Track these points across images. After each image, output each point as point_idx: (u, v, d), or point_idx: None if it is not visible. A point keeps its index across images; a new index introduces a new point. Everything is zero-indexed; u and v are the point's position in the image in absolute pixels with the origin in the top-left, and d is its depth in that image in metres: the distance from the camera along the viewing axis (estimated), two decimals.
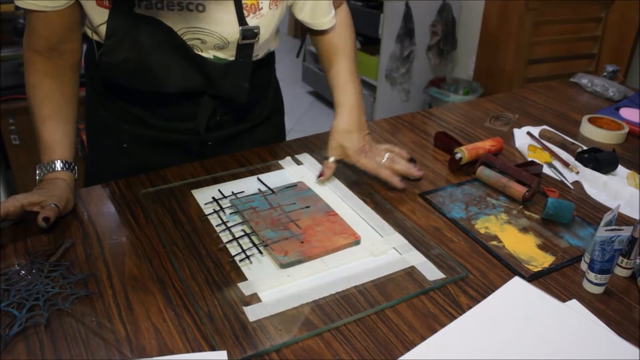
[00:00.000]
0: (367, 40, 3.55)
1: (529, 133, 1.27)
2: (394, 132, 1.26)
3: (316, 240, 0.85)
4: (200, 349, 0.67)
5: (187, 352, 0.67)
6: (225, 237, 0.87)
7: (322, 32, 1.10)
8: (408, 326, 0.72)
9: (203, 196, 0.97)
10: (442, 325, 0.72)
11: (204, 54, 0.96)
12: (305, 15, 1.06)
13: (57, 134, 0.96)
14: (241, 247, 0.84)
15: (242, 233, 0.87)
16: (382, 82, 3.37)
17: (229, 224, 0.89)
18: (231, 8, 0.92)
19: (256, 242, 0.85)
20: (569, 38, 3.00)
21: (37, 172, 0.93)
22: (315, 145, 1.17)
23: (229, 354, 0.66)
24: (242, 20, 0.93)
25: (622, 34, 2.95)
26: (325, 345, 0.68)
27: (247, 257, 0.82)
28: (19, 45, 2.27)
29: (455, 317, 0.73)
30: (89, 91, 1.13)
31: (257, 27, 0.95)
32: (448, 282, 0.80)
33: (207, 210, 0.93)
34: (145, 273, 0.79)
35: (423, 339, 0.70)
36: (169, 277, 0.79)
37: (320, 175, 1.02)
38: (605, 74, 1.61)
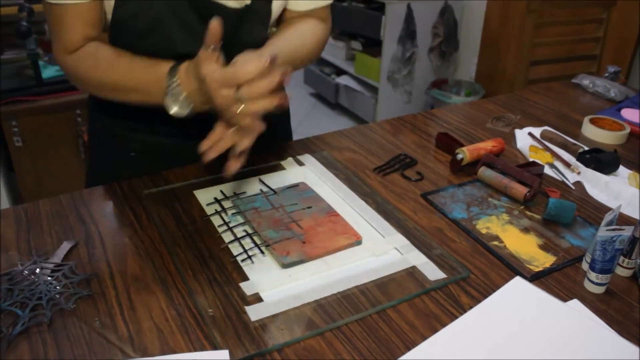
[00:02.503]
0: (368, 42, 3.56)
1: (530, 134, 1.27)
2: (396, 133, 1.26)
3: (318, 241, 0.85)
4: (203, 349, 0.68)
5: (189, 351, 0.67)
6: (227, 237, 0.87)
7: (288, 17, 1.05)
8: (409, 326, 0.72)
9: (205, 197, 0.97)
10: (444, 325, 0.72)
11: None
12: None
13: (145, 63, 0.89)
14: (243, 248, 0.84)
15: (244, 233, 0.87)
16: (384, 84, 3.37)
17: (231, 225, 0.89)
18: None
19: (258, 242, 0.85)
20: (571, 39, 3.00)
21: (169, 81, 0.84)
22: (317, 146, 1.18)
23: (230, 354, 0.66)
24: None
25: (623, 35, 2.95)
26: (327, 345, 0.69)
27: (249, 257, 0.82)
28: (21, 48, 2.28)
29: (457, 317, 0.73)
30: (92, 101, 1.10)
31: None
32: (449, 282, 0.80)
33: (209, 210, 0.93)
34: (147, 273, 0.80)
35: (424, 338, 0.70)
36: (171, 277, 0.79)
37: None
38: (606, 74, 1.61)
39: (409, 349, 0.68)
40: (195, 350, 0.67)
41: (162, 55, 0.93)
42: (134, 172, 1.05)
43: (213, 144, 0.83)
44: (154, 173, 1.05)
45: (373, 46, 3.47)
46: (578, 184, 1.08)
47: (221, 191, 0.98)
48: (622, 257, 0.82)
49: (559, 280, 0.82)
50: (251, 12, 0.95)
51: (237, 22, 0.95)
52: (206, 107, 0.84)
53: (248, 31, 0.97)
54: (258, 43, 0.96)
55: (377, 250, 0.85)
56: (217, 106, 0.80)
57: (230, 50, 0.97)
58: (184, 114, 0.85)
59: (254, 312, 0.72)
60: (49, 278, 0.76)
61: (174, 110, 0.85)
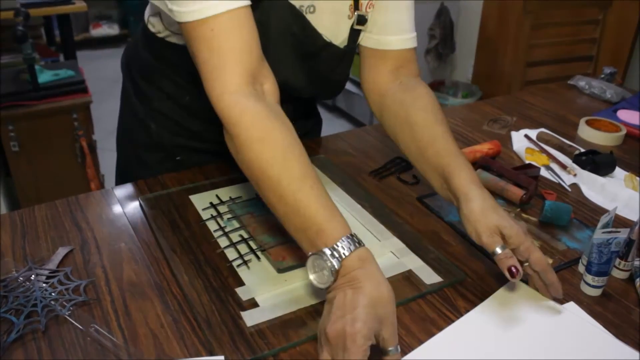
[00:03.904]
0: None
1: (526, 136, 1.27)
2: None
3: None
4: (198, 354, 0.67)
5: (185, 357, 0.67)
6: (223, 242, 0.87)
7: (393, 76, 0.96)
8: (405, 330, 0.72)
9: (201, 202, 0.97)
10: (440, 328, 0.72)
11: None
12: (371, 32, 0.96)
13: (321, 198, 0.69)
14: (239, 252, 0.84)
15: (240, 238, 0.87)
16: None
17: (226, 229, 0.89)
18: (342, 9, 0.92)
19: (254, 247, 0.85)
20: (567, 40, 3.01)
21: (325, 261, 0.65)
22: (313, 149, 1.18)
23: (226, 359, 0.66)
24: (357, 6, 0.92)
25: (620, 36, 2.95)
26: None
27: (245, 262, 0.82)
28: (19, 52, 2.28)
29: (453, 321, 0.73)
30: (138, 107, 1.07)
31: (367, 14, 0.93)
32: (445, 286, 0.80)
33: (205, 215, 0.93)
34: (143, 279, 0.79)
35: (420, 342, 0.70)
36: (167, 282, 0.79)
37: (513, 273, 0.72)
38: (603, 76, 1.61)
39: (405, 353, 0.68)
40: (191, 356, 0.67)
41: None
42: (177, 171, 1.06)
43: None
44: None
45: None
46: (574, 186, 1.08)
47: (217, 196, 0.98)
48: (618, 260, 0.82)
49: None
50: (349, 52, 0.98)
51: (338, 61, 0.98)
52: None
53: (342, 71, 1.01)
54: (343, 83, 1.04)
55: (373, 253, 0.85)
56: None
57: (321, 85, 1.02)
58: (319, 284, 0.67)
59: (250, 317, 0.72)
60: (44, 284, 0.76)
61: (311, 275, 0.67)
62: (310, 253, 0.67)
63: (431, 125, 0.87)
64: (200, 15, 0.72)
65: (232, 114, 0.73)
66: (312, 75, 0.98)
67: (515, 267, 0.71)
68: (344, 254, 0.65)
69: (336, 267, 0.64)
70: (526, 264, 0.74)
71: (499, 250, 0.73)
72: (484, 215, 0.74)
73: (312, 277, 0.67)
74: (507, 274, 0.71)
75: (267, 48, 0.88)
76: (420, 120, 0.89)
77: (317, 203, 0.68)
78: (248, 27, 0.75)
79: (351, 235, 0.66)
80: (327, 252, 0.65)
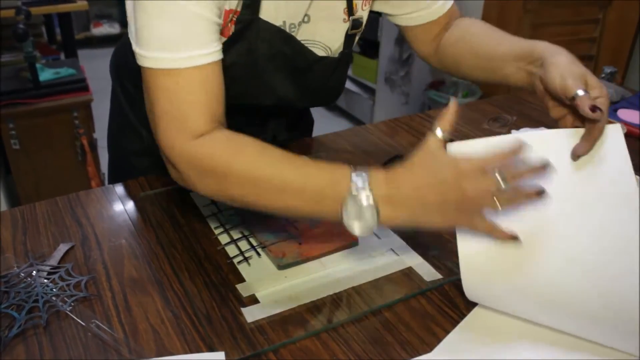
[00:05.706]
0: (365, 44, 3.56)
1: None
2: (393, 135, 1.26)
3: (314, 242, 0.85)
4: (199, 350, 0.68)
5: (185, 353, 0.67)
6: (223, 239, 0.87)
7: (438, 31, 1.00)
8: (405, 326, 0.72)
9: (202, 198, 0.97)
10: (440, 325, 0.72)
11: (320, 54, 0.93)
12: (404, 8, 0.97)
13: (314, 162, 0.70)
14: (239, 249, 0.84)
15: (240, 235, 0.88)
16: (381, 85, 3.38)
17: (227, 226, 0.89)
18: (336, 14, 0.91)
19: (254, 243, 0.86)
20: (567, 40, 3.00)
21: (355, 179, 0.65)
22: (313, 147, 1.18)
23: (226, 355, 0.67)
24: (351, 10, 0.91)
25: (620, 35, 2.95)
26: (323, 346, 0.69)
27: (245, 258, 0.83)
28: (20, 50, 2.28)
29: (453, 318, 0.74)
30: (128, 112, 1.07)
31: (362, 17, 0.93)
32: (445, 283, 0.80)
33: (206, 212, 0.94)
34: (144, 275, 0.80)
35: (420, 338, 0.70)
36: (168, 279, 0.79)
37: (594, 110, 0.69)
38: (603, 75, 1.61)
39: (404, 349, 0.69)
40: (191, 351, 0.68)
41: (255, 97, 0.92)
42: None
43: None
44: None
45: (370, 47, 3.47)
46: None
47: None
48: None
49: None
50: (344, 58, 0.97)
51: (332, 71, 0.97)
52: (403, 220, 0.67)
53: (338, 77, 0.99)
54: (340, 88, 1.02)
55: (373, 251, 0.85)
56: (463, 202, 0.65)
57: (317, 95, 1.00)
58: (368, 228, 0.66)
59: (250, 314, 0.73)
60: (45, 280, 0.76)
61: (354, 224, 0.65)
62: (341, 208, 0.65)
63: (496, 31, 0.92)
64: (165, 64, 0.69)
65: (204, 151, 0.70)
66: (307, 88, 0.97)
67: (597, 106, 0.69)
68: (366, 179, 0.64)
69: (370, 192, 0.64)
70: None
71: (581, 92, 0.71)
72: (573, 64, 0.74)
73: (356, 228, 0.65)
74: (587, 112, 0.69)
75: (258, 72, 0.89)
76: (483, 31, 0.94)
77: (315, 167, 0.68)
78: (215, 82, 0.73)
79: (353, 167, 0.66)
80: (353, 188, 0.64)
